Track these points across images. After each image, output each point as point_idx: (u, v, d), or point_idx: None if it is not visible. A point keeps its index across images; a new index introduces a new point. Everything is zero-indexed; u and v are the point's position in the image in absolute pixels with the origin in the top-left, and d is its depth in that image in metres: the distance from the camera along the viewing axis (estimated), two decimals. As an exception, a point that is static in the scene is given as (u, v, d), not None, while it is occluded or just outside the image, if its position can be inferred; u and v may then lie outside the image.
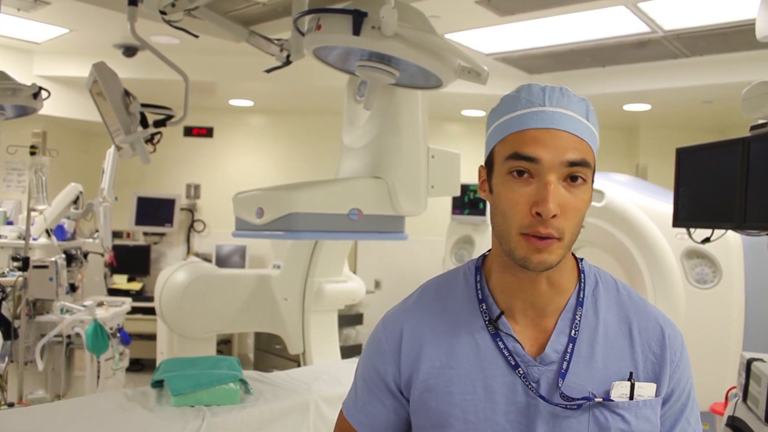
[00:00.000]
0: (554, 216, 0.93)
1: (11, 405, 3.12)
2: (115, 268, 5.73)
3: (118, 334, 3.97)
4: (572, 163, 0.96)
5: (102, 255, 4.77)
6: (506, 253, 1.00)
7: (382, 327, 1.13)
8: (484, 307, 1.06)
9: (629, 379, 1.00)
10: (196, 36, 2.25)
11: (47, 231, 3.97)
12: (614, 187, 4.09)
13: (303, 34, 2.01)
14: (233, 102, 6.33)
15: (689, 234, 2.42)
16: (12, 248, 3.89)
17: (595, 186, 1.12)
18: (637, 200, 4.02)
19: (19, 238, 3.88)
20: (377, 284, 6.51)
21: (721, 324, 3.64)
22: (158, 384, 2.07)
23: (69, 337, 3.70)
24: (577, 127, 0.98)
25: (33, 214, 3.67)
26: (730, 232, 2.31)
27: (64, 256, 3.73)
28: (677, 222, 2.42)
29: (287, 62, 2.37)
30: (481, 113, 6.42)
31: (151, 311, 5.82)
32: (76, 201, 4.10)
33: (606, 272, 1.12)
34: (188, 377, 1.93)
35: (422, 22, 1.92)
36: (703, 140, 2.43)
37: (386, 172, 2.35)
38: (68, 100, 5.34)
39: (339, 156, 2.68)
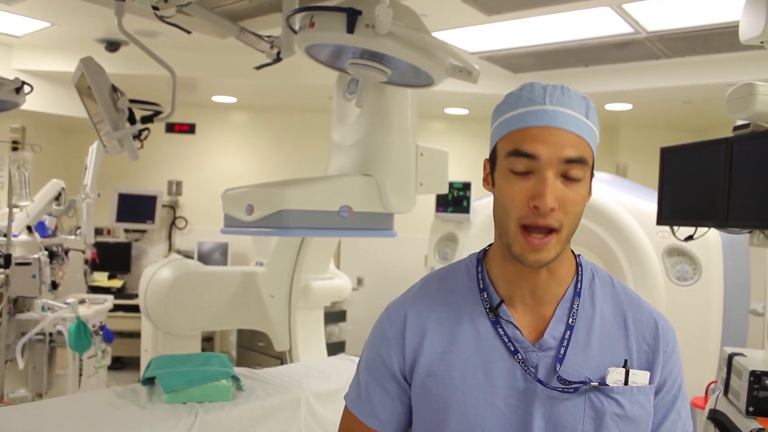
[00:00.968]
0: (552, 210, 0.98)
1: (-7, 404, 3.08)
2: (95, 265, 5.67)
3: (101, 332, 3.93)
4: (570, 160, 1.00)
5: (83, 252, 4.72)
6: (506, 246, 1.04)
7: (386, 315, 1.16)
8: (485, 296, 1.10)
9: (624, 366, 1.04)
10: (189, 32, 2.24)
11: (28, 227, 3.91)
12: (596, 185, 4.10)
13: (295, 32, 2.01)
14: (216, 98, 6.29)
15: (673, 232, 2.47)
16: (-8, 245, 3.84)
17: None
18: (618, 198, 4.08)
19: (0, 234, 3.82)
20: (360, 281, 6.51)
21: (701, 320, 3.71)
22: (148, 381, 2.07)
23: (51, 335, 3.65)
24: (577, 126, 1.02)
25: (14, 210, 3.62)
26: (709, 230, 2.36)
27: (47, 253, 3.68)
28: (661, 220, 2.46)
29: (277, 59, 2.37)
30: (464, 111, 6.45)
31: (132, 309, 5.78)
32: (57, 197, 4.05)
33: (601, 268, 1.17)
34: (180, 374, 1.93)
35: (414, 21, 1.94)
36: (683, 140, 2.49)
37: (376, 170, 2.36)
38: (48, 95, 5.26)
39: (322, 154, 2.69)
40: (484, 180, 1.12)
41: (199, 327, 3.40)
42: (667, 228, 3.38)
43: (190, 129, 6.62)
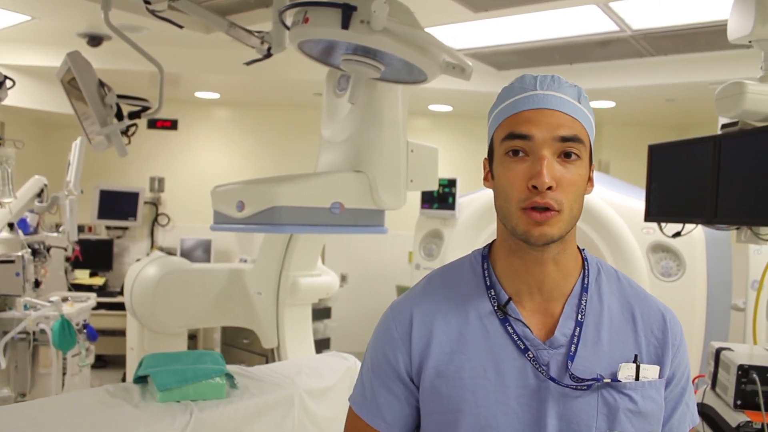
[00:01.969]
0: (550, 188, 0.98)
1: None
2: (78, 263, 5.60)
3: (85, 330, 3.88)
4: (564, 139, 1.00)
5: (65, 249, 4.64)
6: (510, 233, 1.04)
7: (391, 316, 1.13)
8: (492, 293, 1.08)
9: (634, 362, 1.04)
10: (181, 26, 2.22)
11: (10, 225, 3.85)
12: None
13: (287, 27, 2.00)
14: (199, 94, 6.23)
15: (660, 228, 2.49)
16: (-28, 243, 3.76)
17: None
18: (603, 195, 4.12)
19: (-19, 232, 3.75)
20: (344, 278, 6.51)
21: (685, 315, 3.76)
22: (140, 380, 2.05)
23: (33, 333, 3.60)
24: (569, 108, 1.03)
25: (-5, 207, 3.56)
26: (696, 227, 2.40)
27: (30, 250, 3.62)
28: (649, 217, 2.49)
29: (268, 55, 2.36)
30: (448, 108, 6.46)
31: (114, 306, 5.72)
32: (40, 194, 3.98)
33: (606, 262, 1.17)
34: (174, 372, 1.91)
35: (408, 17, 1.93)
36: (664, 137, 2.52)
37: (367, 166, 2.36)
38: (28, 90, 5.17)
39: (306, 150, 2.69)
40: (485, 178, 1.12)
41: (186, 325, 3.38)
42: (651, 225, 3.44)
43: (172, 125, 6.56)
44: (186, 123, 6.60)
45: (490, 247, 1.16)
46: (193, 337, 6.13)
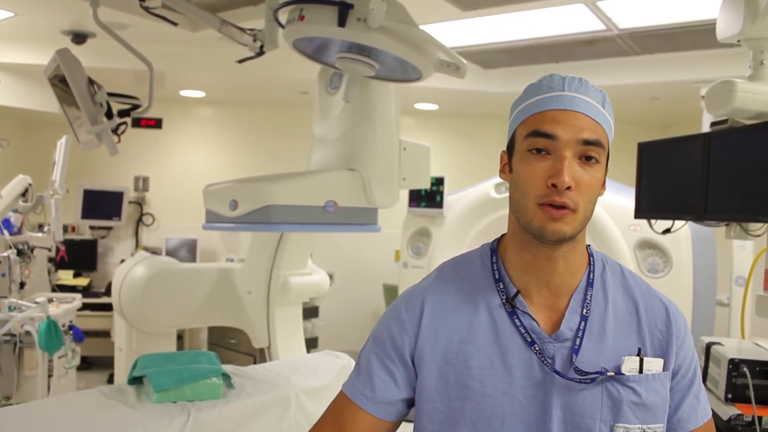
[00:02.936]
0: (569, 188, 1.00)
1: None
2: (63, 263, 5.54)
3: (71, 332, 3.84)
4: (587, 142, 1.02)
5: (49, 250, 4.60)
6: (523, 227, 1.06)
7: (403, 300, 1.16)
8: (501, 287, 1.11)
9: (638, 355, 1.06)
10: (175, 24, 2.20)
11: (-7, 225, 3.79)
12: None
13: (281, 25, 1.99)
14: (184, 93, 6.19)
15: (650, 225, 2.52)
16: (-45, 243, 3.70)
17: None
18: (590, 193, 4.14)
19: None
20: (331, 277, 6.48)
21: (672, 311, 3.81)
22: (134, 381, 2.03)
23: (18, 335, 3.55)
24: (593, 112, 1.05)
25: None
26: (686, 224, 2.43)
27: (15, 251, 3.57)
28: (639, 214, 2.51)
29: (260, 53, 2.34)
30: (434, 107, 6.47)
31: (99, 307, 5.66)
32: (24, 193, 3.93)
33: (611, 258, 1.19)
34: (170, 373, 1.89)
35: (403, 14, 1.94)
36: (648, 136, 2.55)
37: (360, 164, 2.36)
38: (10, 88, 5.10)
39: (292, 149, 2.69)
40: (501, 170, 1.14)
41: (176, 325, 3.35)
42: (638, 222, 3.47)
43: (157, 124, 6.49)
44: (171, 122, 6.55)
45: (499, 240, 1.18)
46: (179, 337, 6.08)
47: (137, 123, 6.39)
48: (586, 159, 1.03)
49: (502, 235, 1.17)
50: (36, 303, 3.58)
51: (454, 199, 4.90)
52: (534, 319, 1.08)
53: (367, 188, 2.35)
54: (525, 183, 1.04)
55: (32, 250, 4.12)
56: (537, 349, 1.06)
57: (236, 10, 2.73)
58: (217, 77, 5.50)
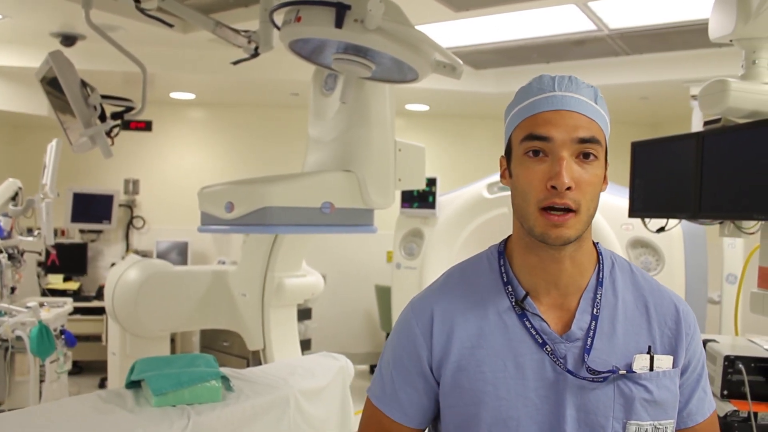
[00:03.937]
0: (569, 189, 1.00)
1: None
2: (53, 267, 5.48)
3: (63, 336, 3.80)
4: (583, 140, 1.03)
5: (40, 254, 4.55)
6: (527, 232, 1.06)
7: (411, 311, 1.15)
8: (510, 289, 1.11)
9: (648, 353, 1.07)
10: (171, 26, 2.19)
11: (-17, 229, 3.75)
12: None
13: (277, 26, 1.99)
14: (174, 95, 6.15)
15: (644, 224, 2.54)
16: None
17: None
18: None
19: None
20: (323, 278, 6.47)
21: (664, 309, 3.83)
22: (132, 385, 2.01)
23: (9, 340, 3.51)
24: (586, 109, 1.05)
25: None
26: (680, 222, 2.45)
27: (6, 255, 3.53)
28: (633, 213, 2.52)
29: (255, 54, 2.34)
30: (425, 107, 6.47)
31: (90, 311, 5.62)
32: (14, 197, 3.89)
33: (619, 256, 1.19)
34: (169, 376, 1.88)
35: (399, 15, 1.94)
36: (638, 135, 2.56)
37: (356, 166, 2.36)
38: (-3, 91, 5.06)
39: (284, 151, 2.69)
40: (502, 175, 1.14)
41: (170, 328, 3.34)
42: (631, 221, 3.48)
43: (146, 126, 6.45)
44: (161, 124, 6.51)
45: (506, 242, 1.18)
46: (171, 340, 6.05)
47: (127, 125, 6.35)
48: (584, 157, 1.03)
49: (509, 237, 1.17)
50: (27, 308, 3.54)
51: (446, 199, 4.90)
52: (544, 320, 1.08)
53: (363, 189, 2.36)
54: (525, 187, 1.04)
55: (22, 254, 4.08)
56: (549, 349, 1.06)
57: (226, 11, 2.72)
58: (208, 79, 5.47)
